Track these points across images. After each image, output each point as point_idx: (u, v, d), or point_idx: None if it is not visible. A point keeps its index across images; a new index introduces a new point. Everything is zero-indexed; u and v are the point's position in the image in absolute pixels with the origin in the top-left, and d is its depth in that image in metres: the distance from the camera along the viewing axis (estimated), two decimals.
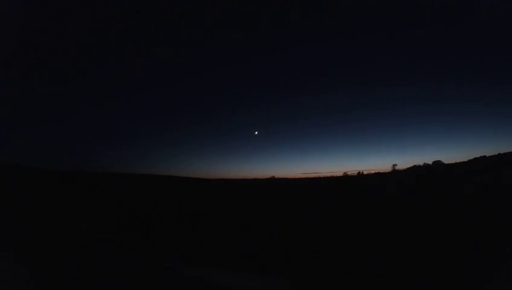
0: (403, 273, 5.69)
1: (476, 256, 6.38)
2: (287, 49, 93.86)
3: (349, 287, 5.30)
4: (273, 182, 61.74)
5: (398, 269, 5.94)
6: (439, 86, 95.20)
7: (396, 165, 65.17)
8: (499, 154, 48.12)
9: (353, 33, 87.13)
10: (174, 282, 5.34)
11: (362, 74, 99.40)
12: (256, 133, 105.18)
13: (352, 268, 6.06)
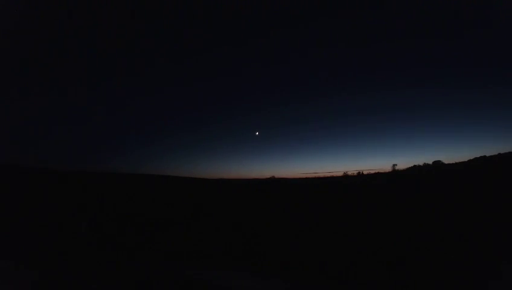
0: (402, 273, 5.68)
1: (476, 256, 6.38)
2: (288, 53, 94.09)
3: (349, 287, 5.30)
4: (273, 182, 61.75)
5: (397, 268, 5.93)
6: (439, 87, 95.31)
7: (396, 165, 65.15)
8: (499, 154, 48.14)
9: (353, 37, 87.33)
10: (174, 282, 5.34)
11: (363, 76, 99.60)
12: (257, 133, 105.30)
13: (351, 268, 6.06)
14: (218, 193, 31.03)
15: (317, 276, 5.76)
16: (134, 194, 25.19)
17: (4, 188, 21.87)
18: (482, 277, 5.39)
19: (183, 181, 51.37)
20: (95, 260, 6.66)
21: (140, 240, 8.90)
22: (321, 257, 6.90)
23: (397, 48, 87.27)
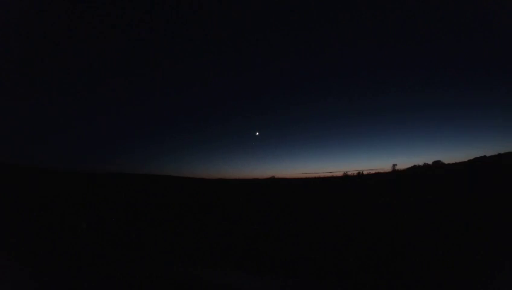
0: (403, 274, 5.69)
1: (476, 256, 6.39)
2: (288, 53, 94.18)
3: (349, 287, 5.30)
4: (273, 182, 61.75)
5: (398, 269, 5.94)
6: (439, 87, 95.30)
7: (396, 165, 65.11)
8: (499, 154, 48.15)
9: (353, 38, 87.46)
10: (174, 282, 5.34)
11: (363, 76, 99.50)
12: (257, 133, 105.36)
13: (352, 268, 6.07)
14: (217, 193, 31.03)
15: (317, 276, 5.76)
16: (134, 194, 25.20)
17: (4, 188, 21.88)
18: (482, 277, 5.39)
19: (183, 181, 51.38)
20: (95, 259, 6.66)
21: (140, 239, 8.91)
22: (321, 256, 6.90)
23: (397, 49, 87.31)
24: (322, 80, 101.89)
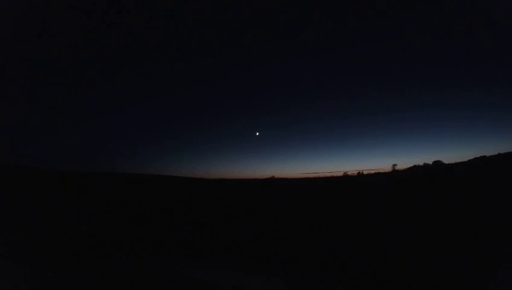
0: (402, 273, 5.68)
1: (475, 256, 6.39)
2: (288, 54, 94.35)
3: (348, 287, 5.30)
4: (273, 182, 61.80)
5: (397, 269, 5.94)
6: (439, 87, 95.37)
7: (396, 165, 65.21)
8: (499, 154, 48.20)
9: (353, 38, 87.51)
10: (174, 282, 5.34)
11: (363, 77, 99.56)
12: (257, 134, 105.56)
13: (351, 268, 6.06)
14: (217, 193, 31.02)
15: (317, 276, 5.76)
16: (134, 194, 25.20)
17: (4, 188, 21.87)
18: (481, 278, 5.39)
19: (183, 181, 51.38)
20: (95, 260, 6.66)
21: (141, 240, 8.90)
22: (321, 257, 6.90)
23: (397, 49, 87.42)
24: (322, 80, 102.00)
